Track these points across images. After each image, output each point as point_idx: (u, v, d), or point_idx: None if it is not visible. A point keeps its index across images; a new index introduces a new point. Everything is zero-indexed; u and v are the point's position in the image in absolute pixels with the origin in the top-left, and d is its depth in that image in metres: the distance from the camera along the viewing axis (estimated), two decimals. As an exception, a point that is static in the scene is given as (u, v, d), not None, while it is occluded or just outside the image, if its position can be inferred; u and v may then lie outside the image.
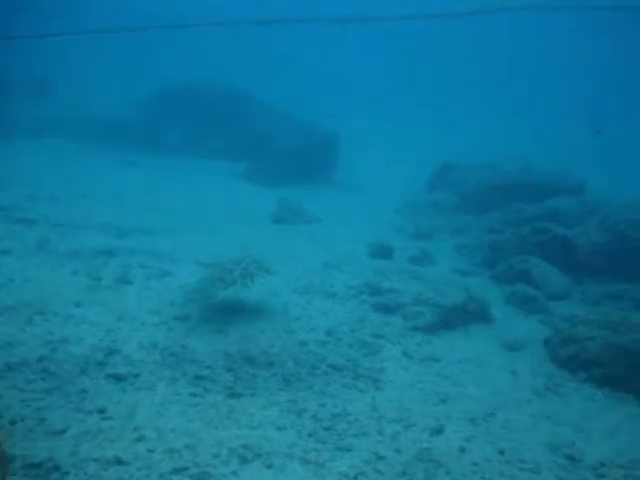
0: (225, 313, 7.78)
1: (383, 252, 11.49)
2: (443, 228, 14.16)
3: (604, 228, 11.29)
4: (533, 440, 5.55)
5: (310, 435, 5.22)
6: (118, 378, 5.78)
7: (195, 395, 5.66)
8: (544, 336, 8.26)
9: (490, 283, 10.73)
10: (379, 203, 17.25)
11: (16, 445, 4.42)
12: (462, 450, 5.24)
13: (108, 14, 35.14)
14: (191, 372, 6.09)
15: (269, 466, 4.68)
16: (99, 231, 10.87)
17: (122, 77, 29.16)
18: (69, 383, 5.55)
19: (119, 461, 4.46)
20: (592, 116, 33.73)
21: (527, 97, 46.03)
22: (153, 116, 21.19)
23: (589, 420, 6.11)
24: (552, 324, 8.89)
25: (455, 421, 5.76)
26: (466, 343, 7.95)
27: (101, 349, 6.34)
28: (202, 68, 27.82)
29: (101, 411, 5.13)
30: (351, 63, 54.89)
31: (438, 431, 5.55)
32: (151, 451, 4.66)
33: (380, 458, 4.97)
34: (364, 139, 25.67)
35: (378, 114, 34.83)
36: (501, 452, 5.27)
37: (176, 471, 4.45)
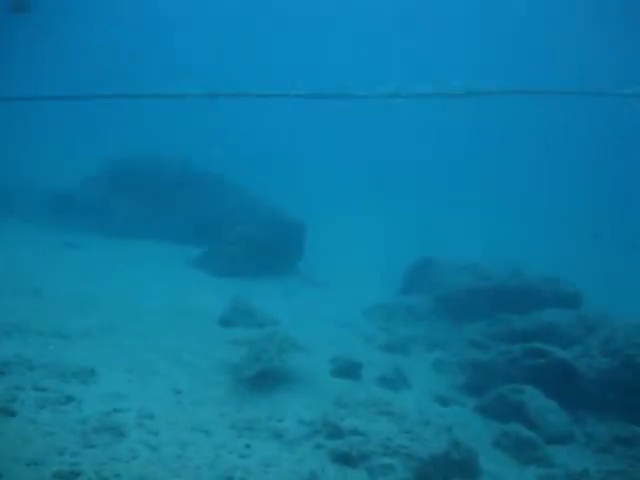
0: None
1: (348, 370, 9.56)
2: (419, 339, 12.31)
3: (608, 352, 9.58)
4: None
5: None
6: None
7: None
8: (548, 503, 6.44)
9: (475, 416, 8.87)
10: (346, 302, 15.34)
11: None
12: None
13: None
14: None
15: None
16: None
17: (70, 146, 27.47)
18: None
19: None
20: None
21: (519, 192, 44.51)
22: (102, 192, 19.24)
23: None
24: (556, 483, 7.05)
25: None
26: (449, 515, 6.04)
27: None
28: (157, 141, 26.19)
29: None
30: (325, 145, 53.77)
31: None
32: None
33: None
34: (334, 226, 24.23)
35: (349, 200, 33.68)
36: None
37: None
